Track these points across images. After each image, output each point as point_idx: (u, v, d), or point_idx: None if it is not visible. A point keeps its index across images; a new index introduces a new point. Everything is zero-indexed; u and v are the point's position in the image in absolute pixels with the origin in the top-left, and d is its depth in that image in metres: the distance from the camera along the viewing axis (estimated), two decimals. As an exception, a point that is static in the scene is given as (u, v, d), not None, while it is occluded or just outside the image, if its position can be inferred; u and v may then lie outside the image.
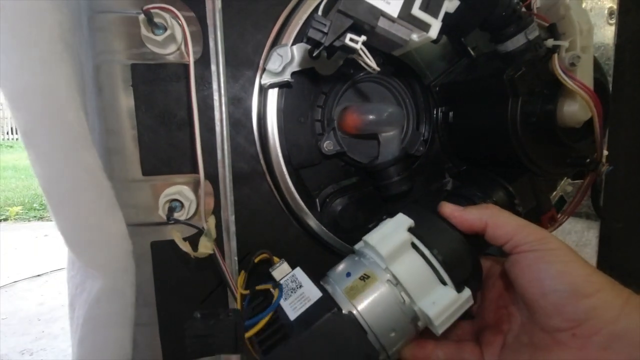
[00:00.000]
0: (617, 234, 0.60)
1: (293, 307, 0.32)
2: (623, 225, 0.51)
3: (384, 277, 0.32)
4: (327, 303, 0.31)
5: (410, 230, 0.33)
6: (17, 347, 1.85)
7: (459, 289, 0.32)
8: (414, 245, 0.33)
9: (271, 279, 0.37)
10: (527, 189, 0.43)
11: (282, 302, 0.33)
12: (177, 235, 0.39)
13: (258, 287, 0.36)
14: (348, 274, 0.33)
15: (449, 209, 0.35)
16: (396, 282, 0.32)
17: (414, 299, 0.32)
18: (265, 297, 0.36)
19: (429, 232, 0.33)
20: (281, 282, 0.35)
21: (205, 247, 0.39)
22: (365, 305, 0.32)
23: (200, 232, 0.40)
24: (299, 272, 0.36)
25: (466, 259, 0.33)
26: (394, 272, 0.32)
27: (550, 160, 0.42)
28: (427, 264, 0.32)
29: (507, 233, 0.32)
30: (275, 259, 0.39)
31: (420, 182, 0.48)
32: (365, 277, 0.33)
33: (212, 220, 0.41)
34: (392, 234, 0.33)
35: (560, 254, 0.30)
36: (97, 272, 0.37)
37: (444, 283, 0.32)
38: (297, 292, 0.33)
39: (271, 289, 0.35)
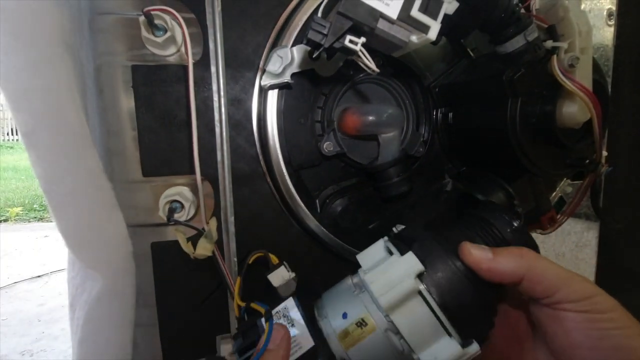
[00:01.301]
0: (617, 234, 0.60)
1: None
2: (622, 226, 0.51)
3: (382, 325, 0.29)
4: (320, 357, 0.30)
5: (419, 275, 0.29)
6: (17, 348, 1.85)
7: (465, 343, 0.28)
8: (420, 293, 0.29)
9: (269, 286, 0.36)
10: (527, 189, 0.43)
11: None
12: (180, 235, 0.39)
13: (253, 305, 0.34)
14: (344, 315, 0.30)
15: (475, 257, 0.29)
16: (396, 331, 0.29)
17: (414, 349, 0.29)
18: (254, 326, 0.33)
19: (441, 281, 0.29)
20: (274, 313, 0.33)
21: (205, 248, 0.39)
22: (361, 358, 0.29)
23: (201, 233, 0.40)
24: (292, 306, 0.33)
25: (479, 314, 0.29)
26: (395, 322, 0.29)
27: (549, 161, 0.42)
28: (434, 315, 0.29)
29: (549, 288, 0.27)
30: (273, 258, 0.38)
31: (420, 183, 0.48)
32: (362, 324, 0.30)
33: (213, 223, 0.41)
34: (398, 282, 0.29)
35: (615, 318, 0.26)
36: (98, 273, 0.37)
37: (449, 333, 0.29)
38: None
39: (262, 322, 0.33)
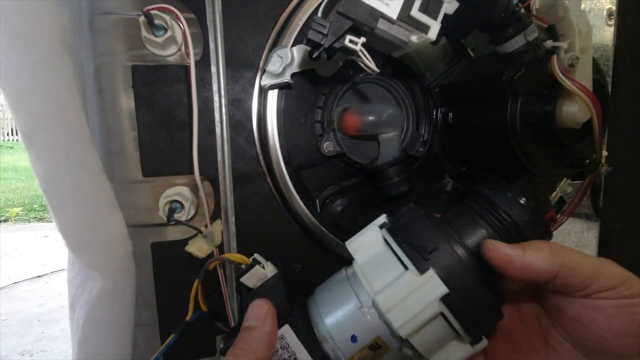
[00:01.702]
0: (617, 234, 0.60)
1: None
2: (622, 226, 0.51)
3: (397, 345, 0.28)
4: None
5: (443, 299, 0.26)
6: (17, 348, 1.85)
7: (474, 342, 0.28)
8: (442, 314, 0.27)
9: (244, 288, 0.32)
10: (527, 189, 0.43)
11: None
12: (196, 247, 0.39)
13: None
14: (354, 338, 0.27)
15: (505, 256, 0.27)
16: (411, 347, 0.27)
17: (427, 356, 0.28)
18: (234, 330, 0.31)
19: (461, 298, 0.26)
20: (277, 348, 0.28)
21: (199, 249, 0.38)
22: None
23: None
24: (289, 334, 0.28)
25: (491, 315, 0.28)
26: (412, 342, 0.27)
27: (549, 161, 0.42)
28: (451, 328, 0.27)
29: (584, 280, 0.26)
30: (242, 259, 0.33)
31: (420, 183, 0.48)
32: (375, 347, 0.27)
33: (218, 225, 0.40)
34: (421, 310, 0.26)
35: None
36: (98, 273, 0.37)
37: (462, 337, 0.28)
38: None
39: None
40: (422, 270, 0.26)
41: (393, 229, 0.30)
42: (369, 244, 0.31)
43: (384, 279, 0.28)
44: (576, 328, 0.28)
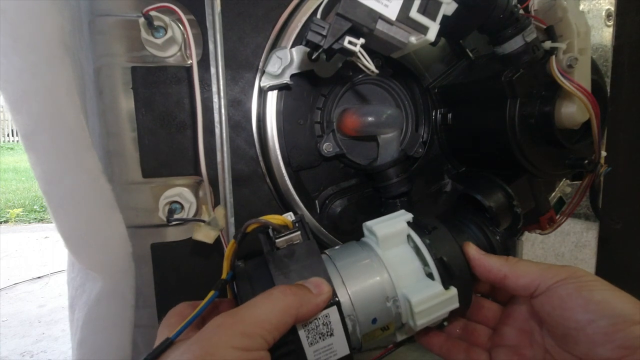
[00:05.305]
0: (616, 234, 0.60)
1: (317, 358, 0.29)
2: (622, 226, 0.51)
3: (397, 328, 0.34)
4: None
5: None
6: (17, 349, 1.85)
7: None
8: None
9: (271, 246, 0.32)
10: (526, 190, 0.43)
11: (307, 348, 0.29)
12: (202, 234, 0.39)
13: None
14: (374, 321, 0.32)
15: (473, 251, 0.35)
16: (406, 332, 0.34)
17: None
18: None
19: (463, 303, 0.33)
20: (311, 323, 0.29)
21: (206, 235, 0.39)
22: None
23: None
24: (334, 315, 0.30)
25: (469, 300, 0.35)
26: (418, 325, 0.32)
27: (548, 161, 0.42)
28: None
29: (533, 280, 0.31)
30: (281, 220, 0.32)
31: (419, 184, 0.48)
32: (385, 328, 0.33)
33: (220, 210, 0.40)
34: (438, 311, 0.32)
35: (600, 284, 0.30)
36: (97, 274, 0.37)
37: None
38: (326, 340, 0.29)
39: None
40: (446, 286, 0.32)
41: (426, 238, 0.34)
42: (396, 237, 0.34)
43: (408, 279, 0.33)
44: (546, 319, 0.32)
